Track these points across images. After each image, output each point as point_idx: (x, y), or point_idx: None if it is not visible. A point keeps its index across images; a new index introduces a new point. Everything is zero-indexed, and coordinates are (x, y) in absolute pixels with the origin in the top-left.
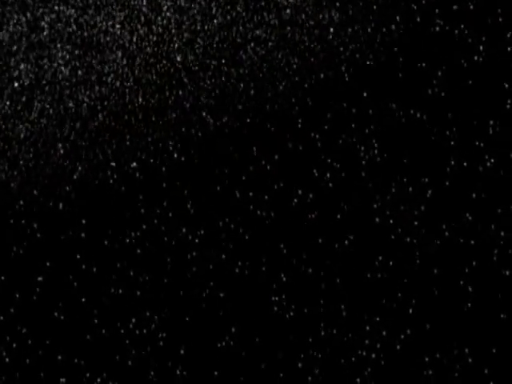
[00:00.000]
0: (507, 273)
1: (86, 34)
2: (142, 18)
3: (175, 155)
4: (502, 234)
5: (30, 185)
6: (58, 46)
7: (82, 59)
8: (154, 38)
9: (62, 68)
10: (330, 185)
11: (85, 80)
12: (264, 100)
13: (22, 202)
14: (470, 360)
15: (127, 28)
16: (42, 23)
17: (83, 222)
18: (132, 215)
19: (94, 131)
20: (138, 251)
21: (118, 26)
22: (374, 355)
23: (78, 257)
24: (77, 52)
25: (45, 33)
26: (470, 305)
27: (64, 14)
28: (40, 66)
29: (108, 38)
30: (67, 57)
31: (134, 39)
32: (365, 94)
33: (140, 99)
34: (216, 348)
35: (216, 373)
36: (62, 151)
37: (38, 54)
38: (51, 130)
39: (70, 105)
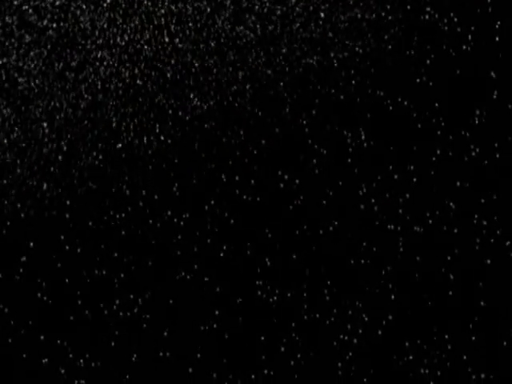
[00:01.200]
0: (488, 261)
1: (62, 27)
2: (136, 8)
3: (161, 138)
4: (485, 223)
5: (13, 165)
6: (26, 41)
7: (55, 60)
8: (150, 34)
9: (31, 70)
10: (316, 171)
11: (60, 85)
12: (252, 84)
13: (5, 182)
14: (449, 346)
15: (117, 20)
16: (6, 16)
17: (67, 202)
18: (117, 197)
19: (79, 115)
20: (123, 233)
21: (104, 17)
22: (355, 340)
23: (62, 238)
24: (49, 51)
25: (8, 24)
26: (450, 292)
27: (34, 3)
28: (0, 68)
29: (91, 33)
30: (37, 56)
31: (126, 35)
32: (353, 82)
33: (129, 96)
34: (199, 331)
35: (199, 355)
36: (46, 130)
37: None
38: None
39: (38, 113)
